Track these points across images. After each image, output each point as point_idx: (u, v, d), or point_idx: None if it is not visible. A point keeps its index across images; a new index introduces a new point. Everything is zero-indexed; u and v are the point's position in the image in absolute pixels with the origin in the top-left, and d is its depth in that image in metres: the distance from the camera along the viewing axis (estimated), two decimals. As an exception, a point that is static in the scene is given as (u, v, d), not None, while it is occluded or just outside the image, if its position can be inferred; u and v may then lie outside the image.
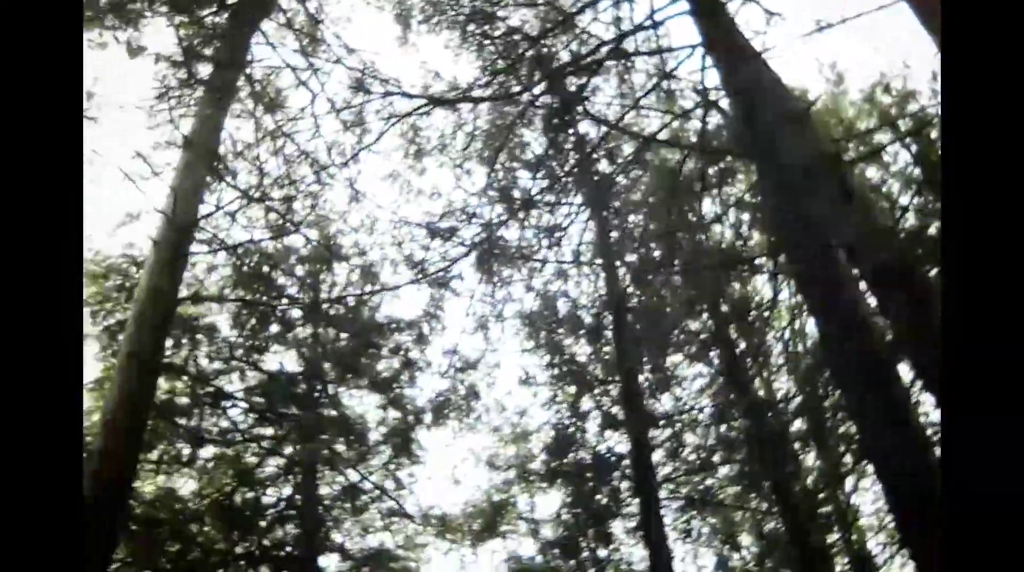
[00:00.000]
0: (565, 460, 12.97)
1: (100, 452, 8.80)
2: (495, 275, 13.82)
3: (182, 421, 13.09)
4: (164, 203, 10.28)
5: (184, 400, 13.24)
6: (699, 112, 9.46)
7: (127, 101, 12.82)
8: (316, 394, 14.52)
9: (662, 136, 11.76)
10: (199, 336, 13.37)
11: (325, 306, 14.72)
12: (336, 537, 14.93)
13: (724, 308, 13.84)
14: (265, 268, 13.84)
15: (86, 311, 13.36)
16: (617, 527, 13.84)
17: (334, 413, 15.01)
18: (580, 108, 11.05)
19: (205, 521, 13.72)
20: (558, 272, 13.49)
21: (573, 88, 10.92)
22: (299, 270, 14.93)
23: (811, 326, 13.10)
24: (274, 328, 14.78)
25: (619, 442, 13.15)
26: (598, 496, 12.91)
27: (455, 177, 14.07)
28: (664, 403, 13.53)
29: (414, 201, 14.08)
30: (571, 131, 12.78)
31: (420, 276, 13.62)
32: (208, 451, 13.82)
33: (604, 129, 12.21)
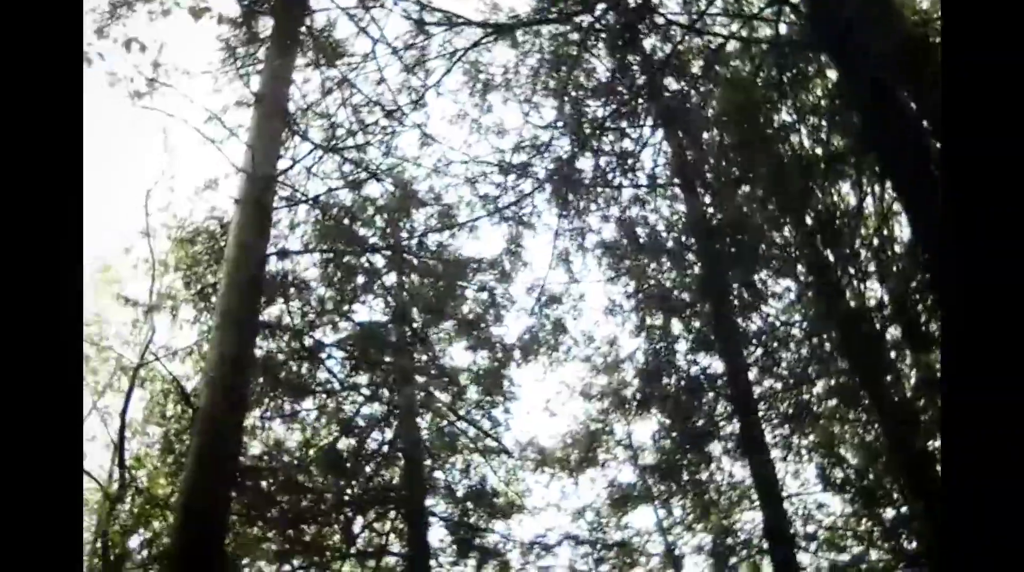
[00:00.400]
0: (659, 385, 12.95)
1: (206, 412, 9.10)
2: (572, 207, 13.71)
3: (282, 376, 13.48)
4: (243, 162, 10.44)
5: (282, 356, 13.62)
6: (771, 12, 9.10)
7: (194, 67, 13.06)
8: (407, 340, 14.76)
9: (733, 44, 11.38)
10: (291, 291, 13.67)
11: (407, 253, 14.86)
12: (439, 477, 15.32)
13: (809, 219, 13.47)
14: (345, 220, 13.99)
15: (178, 276, 13.82)
16: (716, 448, 13.83)
17: (425, 357, 15.29)
18: (646, 22, 10.75)
19: (312, 471, 14.20)
20: (635, 197, 13.31)
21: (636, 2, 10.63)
22: (378, 219, 15.07)
23: (900, 230, 12.69)
24: (360, 279, 15.04)
25: (712, 363, 13.06)
26: (695, 418, 12.89)
27: (523, 112, 13.92)
28: (755, 321, 13.34)
29: (484, 140, 13.96)
30: (637, 51, 12.47)
31: (496, 213, 13.64)
32: (309, 403, 14.28)
33: (671, 46, 11.89)
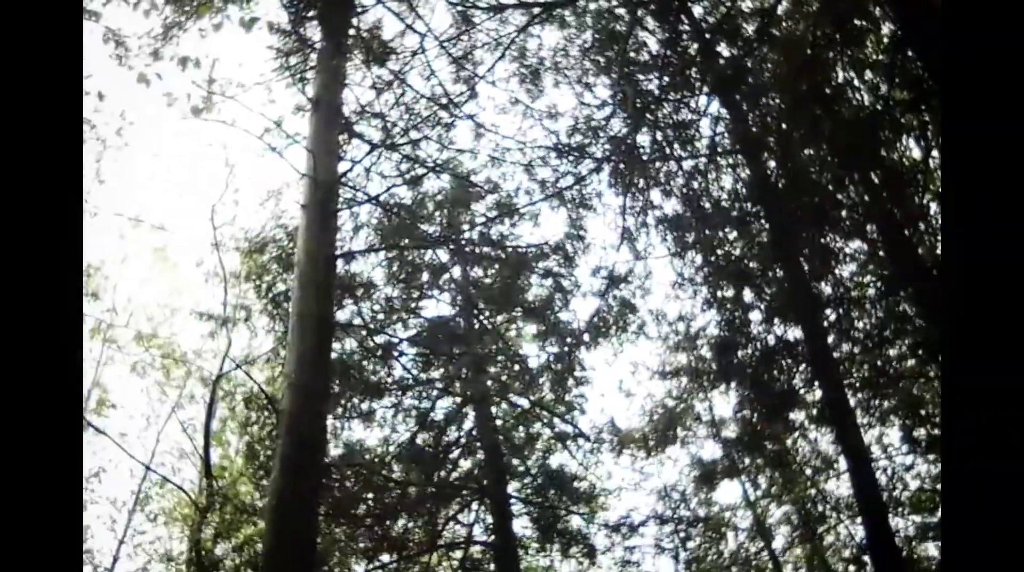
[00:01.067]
0: (736, 356, 12.78)
1: (290, 416, 9.23)
2: (632, 184, 13.59)
3: (357, 375, 13.65)
4: (305, 167, 10.56)
5: (356, 356, 13.79)
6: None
7: (247, 79, 13.26)
8: (476, 331, 14.82)
9: (785, 3, 11.14)
10: (359, 292, 13.82)
11: (469, 245, 14.90)
12: (518, 465, 15.37)
13: (875, 176, 13.16)
14: (406, 217, 14.09)
15: (249, 286, 14.07)
16: (798, 416, 13.62)
17: (495, 347, 15.34)
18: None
19: (393, 467, 14.37)
20: (696, 168, 13.13)
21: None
22: (438, 214, 15.15)
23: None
24: (425, 275, 15.15)
25: (788, 330, 12.84)
26: (775, 388, 12.69)
27: (575, 93, 13.85)
28: (828, 284, 13.07)
29: (538, 125, 13.91)
30: (688, 19, 12.32)
31: (556, 197, 13.59)
32: (385, 400, 14.43)
33: (723, 10, 11.69)
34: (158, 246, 18.81)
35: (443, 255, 15.11)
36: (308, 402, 9.27)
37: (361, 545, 14.04)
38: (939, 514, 13.87)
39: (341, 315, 13.92)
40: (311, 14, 13.01)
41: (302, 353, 9.48)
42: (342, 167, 11.23)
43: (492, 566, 14.46)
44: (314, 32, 12.66)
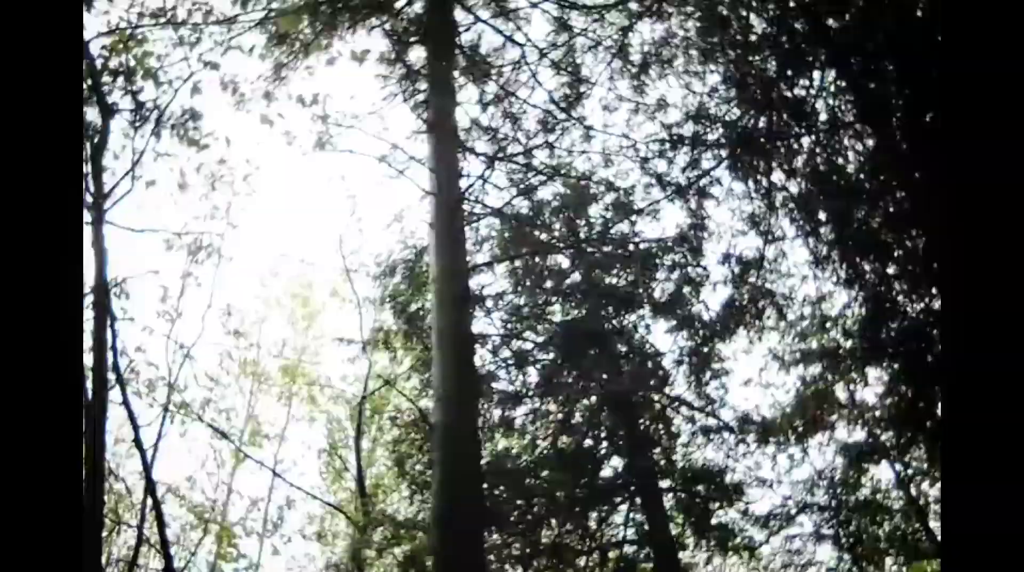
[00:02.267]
0: (879, 334, 12.30)
1: (443, 428, 9.48)
2: (754, 168, 13.33)
3: (495, 385, 13.87)
4: (429, 186, 10.85)
5: (491, 366, 14.02)
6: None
7: (359, 109, 13.72)
8: (607, 331, 14.82)
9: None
10: (488, 303, 14.06)
11: (590, 247, 14.93)
12: (664, 462, 15.23)
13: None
14: (526, 225, 14.26)
15: (384, 308, 14.51)
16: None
17: (627, 346, 15.31)
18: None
19: (538, 474, 14.51)
20: (818, 143, 12.74)
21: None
22: (555, 221, 15.25)
23: None
24: (549, 282, 15.26)
25: (934, 302, 12.27)
26: (926, 362, 12.14)
27: (682, 84, 13.69)
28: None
29: (647, 120, 13.83)
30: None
31: (674, 189, 13.47)
32: (524, 407, 14.60)
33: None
34: (293, 280, 19.63)
35: (564, 261, 15.20)
36: (459, 414, 9.54)
37: (516, 552, 14.22)
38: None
39: (474, 327, 14.20)
40: (413, 40, 13.39)
41: (447, 369, 9.76)
42: (462, 183, 11.50)
43: (650, 566, 14.37)
44: (419, 55, 13.03)
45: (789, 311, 14.10)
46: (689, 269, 14.62)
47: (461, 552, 8.71)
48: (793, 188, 13.50)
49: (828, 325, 13.76)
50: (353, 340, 14.53)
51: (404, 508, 14.54)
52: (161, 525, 10.48)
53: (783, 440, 15.68)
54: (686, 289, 14.75)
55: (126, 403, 9.37)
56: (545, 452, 14.37)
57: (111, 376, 8.74)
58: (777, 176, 13.52)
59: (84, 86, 9.24)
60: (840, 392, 15.15)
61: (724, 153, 13.18)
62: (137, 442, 9.84)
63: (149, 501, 10.65)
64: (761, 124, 13.25)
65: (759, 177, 13.28)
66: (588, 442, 14.88)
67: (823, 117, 13.00)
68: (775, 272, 13.93)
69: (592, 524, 14.47)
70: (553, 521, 14.02)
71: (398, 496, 14.54)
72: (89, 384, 8.11)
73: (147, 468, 9.93)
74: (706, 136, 12.96)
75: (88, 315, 8.54)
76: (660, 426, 15.50)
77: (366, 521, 13.91)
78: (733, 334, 14.62)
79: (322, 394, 16.75)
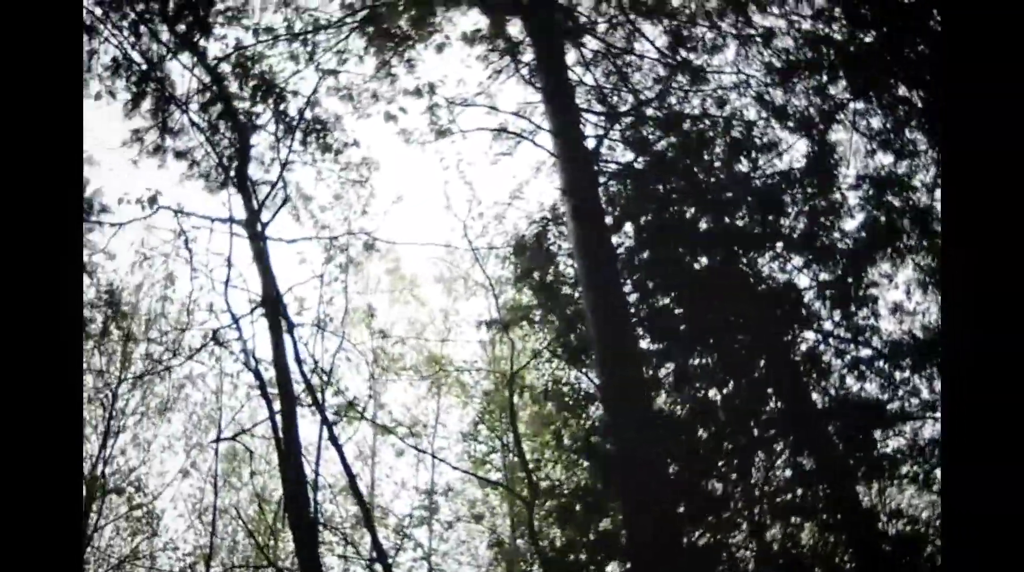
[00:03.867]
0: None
1: (611, 388, 9.52)
2: (870, 84, 12.85)
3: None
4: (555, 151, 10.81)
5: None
6: None
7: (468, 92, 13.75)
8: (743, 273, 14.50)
9: None
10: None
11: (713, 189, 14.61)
12: (819, 398, 14.87)
13: None
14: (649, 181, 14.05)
15: (519, 288, 14.56)
16: None
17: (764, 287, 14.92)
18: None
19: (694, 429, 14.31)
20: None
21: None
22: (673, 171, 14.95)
23: None
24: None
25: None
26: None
27: (782, 13, 13.32)
28: None
29: (756, 56, 13.48)
30: None
31: (798, 123, 13.12)
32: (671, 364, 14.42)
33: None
34: (426, 270, 19.90)
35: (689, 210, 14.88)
36: (624, 382, 9.57)
37: (680, 510, 14.10)
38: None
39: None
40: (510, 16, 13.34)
41: (607, 342, 9.82)
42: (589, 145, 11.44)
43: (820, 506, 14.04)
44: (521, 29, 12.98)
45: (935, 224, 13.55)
46: (819, 197, 14.16)
47: (653, 517, 8.75)
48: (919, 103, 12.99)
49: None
50: (493, 320, 14.64)
51: (566, 479, 14.60)
52: (370, 523, 10.81)
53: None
54: (821, 219, 14.29)
55: (316, 404, 9.67)
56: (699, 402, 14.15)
57: (298, 385, 9.02)
58: (902, 91, 13.03)
59: (218, 107, 9.56)
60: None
61: (841, 73, 12.76)
62: (333, 440, 10.18)
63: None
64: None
65: (883, 93, 12.81)
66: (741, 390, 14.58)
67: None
68: (912, 187, 13.42)
69: (758, 473, 14.21)
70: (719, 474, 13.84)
71: (559, 469, 14.63)
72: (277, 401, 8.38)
73: (347, 467, 10.25)
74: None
75: (262, 325, 8.86)
76: (809, 364, 15.10)
77: (532, 497, 14.02)
78: (875, 259, 14.14)
79: (470, 378, 17.03)
